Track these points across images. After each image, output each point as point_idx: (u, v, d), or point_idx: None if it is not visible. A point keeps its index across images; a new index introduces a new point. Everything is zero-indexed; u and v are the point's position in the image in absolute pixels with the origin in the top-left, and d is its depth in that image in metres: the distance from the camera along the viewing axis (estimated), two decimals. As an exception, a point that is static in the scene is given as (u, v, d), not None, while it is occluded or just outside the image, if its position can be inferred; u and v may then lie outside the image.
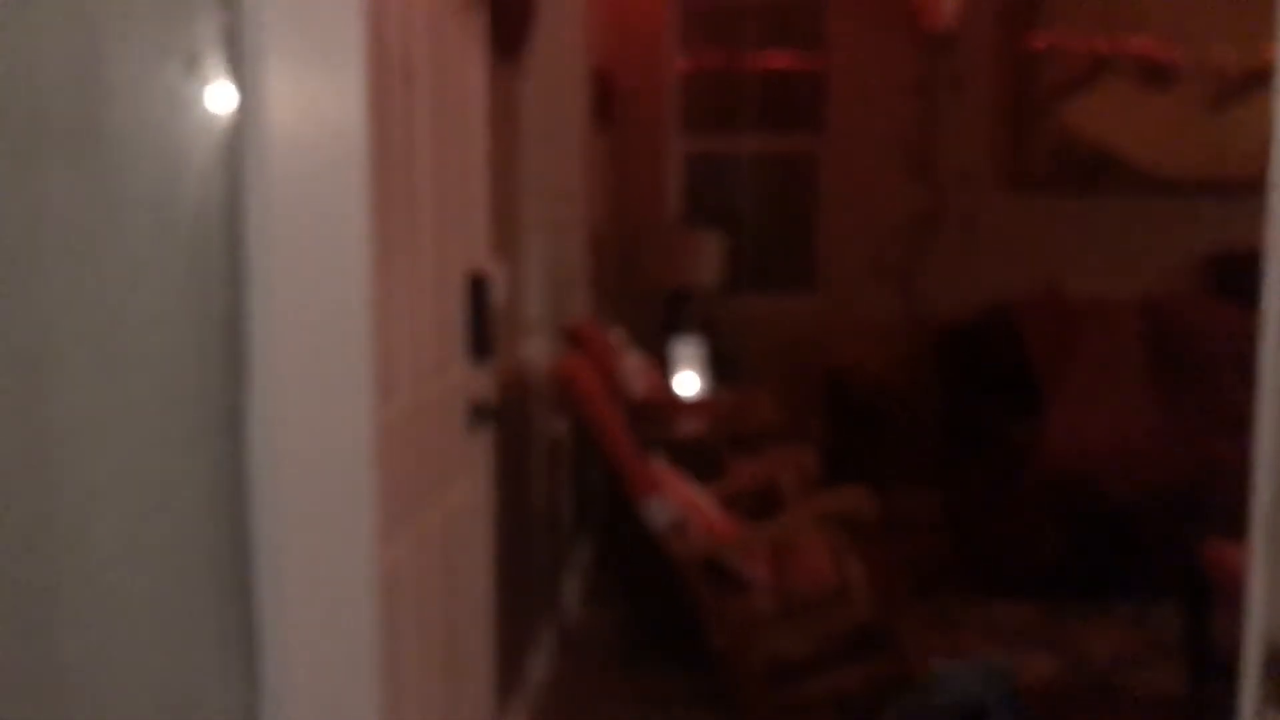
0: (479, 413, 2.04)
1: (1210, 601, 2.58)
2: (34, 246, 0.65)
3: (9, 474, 0.64)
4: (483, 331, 2.02)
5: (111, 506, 0.72)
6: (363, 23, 0.96)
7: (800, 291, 4.77)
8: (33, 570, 0.66)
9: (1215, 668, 2.52)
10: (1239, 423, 4.40)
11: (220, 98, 0.78)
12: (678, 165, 4.80)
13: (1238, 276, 4.49)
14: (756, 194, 4.83)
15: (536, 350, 3.02)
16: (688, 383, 4.17)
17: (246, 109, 0.78)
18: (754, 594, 2.58)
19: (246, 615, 0.82)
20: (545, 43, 2.96)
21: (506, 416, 2.44)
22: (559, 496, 3.41)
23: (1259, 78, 4.34)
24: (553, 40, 3.25)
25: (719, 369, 4.42)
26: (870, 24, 4.56)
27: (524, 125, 2.82)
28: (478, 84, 2.06)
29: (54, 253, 0.66)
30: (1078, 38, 4.44)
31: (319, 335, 0.90)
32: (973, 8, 4.44)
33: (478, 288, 2.01)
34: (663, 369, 3.88)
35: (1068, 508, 3.49)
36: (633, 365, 3.22)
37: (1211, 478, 3.39)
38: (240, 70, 0.78)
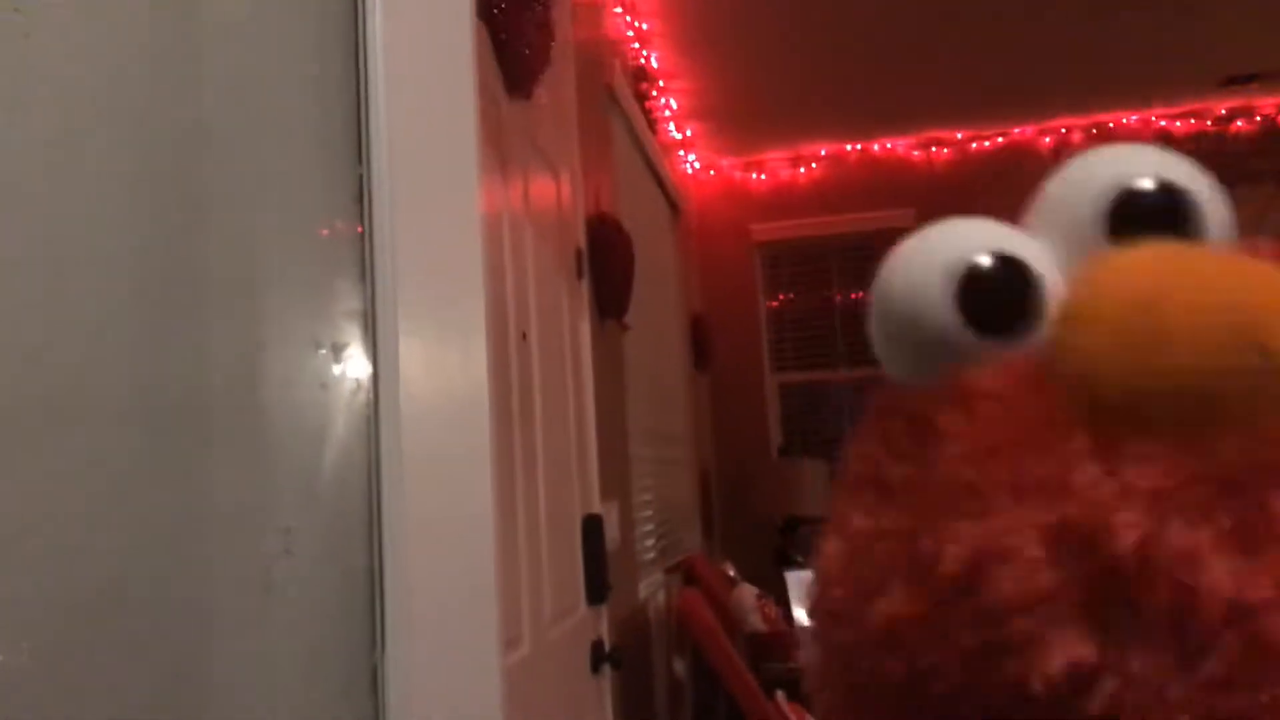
0: (600, 654, 2.07)
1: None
2: (199, 522, 0.71)
3: None
4: (598, 573, 2.08)
5: None
6: (484, 296, 1.06)
7: (910, 514, 4.73)
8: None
9: None
10: None
11: (359, 375, 0.87)
12: (775, 400, 4.97)
13: None
14: (854, 422, 4.92)
15: (652, 589, 3.07)
16: (805, 614, 4.11)
17: (383, 383, 0.87)
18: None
19: None
20: (647, 298, 3.21)
21: (627, 658, 2.46)
22: (682, 740, 3.34)
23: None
24: (654, 295, 3.53)
25: (835, 598, 4.35)
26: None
27: (629, 374, 3.02)
28: (585, 340, 2.25)
29: (214, 529, 0.72)
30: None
31: (450, 594, 0.96)
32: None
33: (591, 530, 2.09)
34: (778, 601, 3.85)
35: None
36: (747, 598, 3.23)
37: None
38: (376, 349, 0.87)
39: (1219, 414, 0.38)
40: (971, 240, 0.48)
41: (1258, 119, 4.59)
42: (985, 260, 0.47)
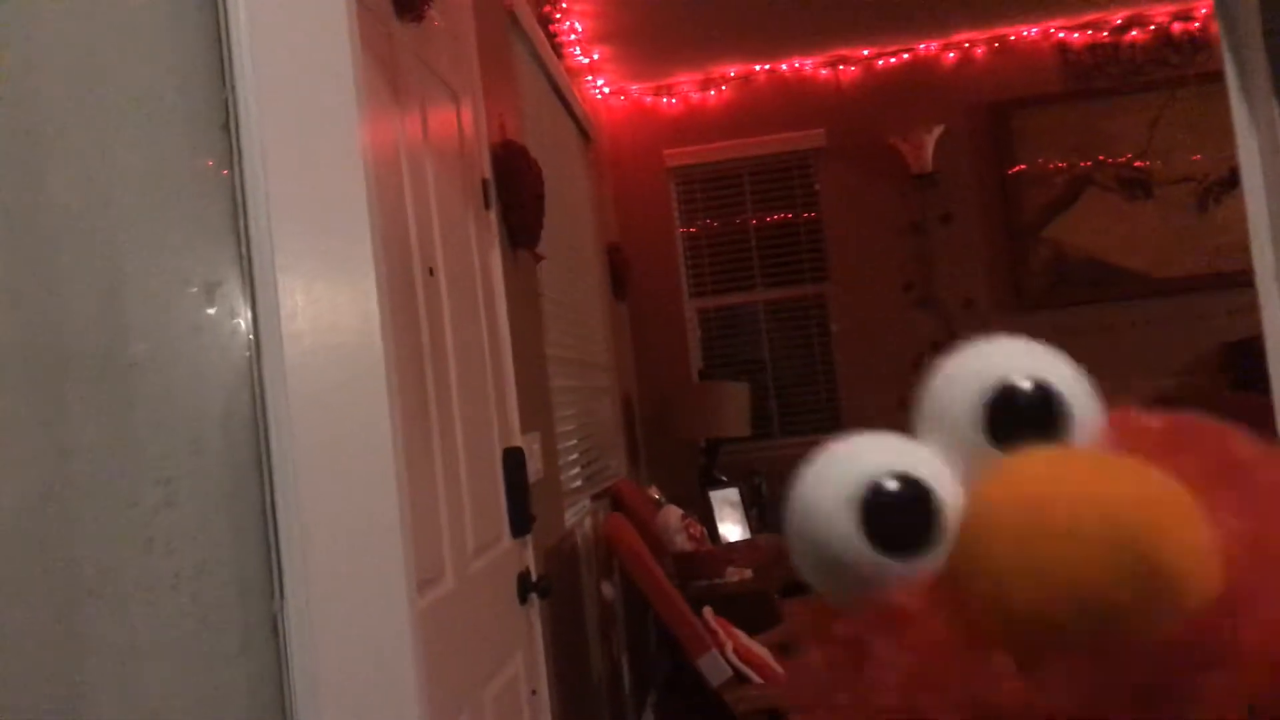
0: (527, 585, 2.08)
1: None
2: (66, 476, 0.68)
3: (62, 692, 0.64)
4: (521, 505, 2.08)
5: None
6: (372, 231, 0.99)
7: (828, 430, 4.83)
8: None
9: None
10: None
11: (237, 315, 0.82)
12: (694, 324, 5.00)
13: (1249, 365, 4.54)
14: (773, 343, 4.99)
15: (579, 516, 3.10)
16: (730, 532, 4.21)
17: (263, 322, 0.83)
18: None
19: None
20: (560, 228, 3.18)
21: (556, 586, 2.48)
22: (617, 661, 3.41)
23: (1231, 179, 4.57)
24: (568, 225, 3.48)
25: (759, 515, 4.46)
26: (857, 174, 4.83)
27: (545, 305, 3.00)
28: (496, 273, 2.22)
29: (85, 483, 0.69)
30: (1054, 163, 4.69)
31: (351, 535, 0.93)
32: (951, 148, 4.71)
33: (512, 463, 2.08)
34: (703, 520, 3.93)
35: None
36: (673, 519, 3.29)
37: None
38: (253, 286, 0.83)
39: (1121, 625, 0.41)
40: (870, 463, 0.52)
41: (1151, 28, 4.69)
42: (887, 484, 0.50)
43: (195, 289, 0.81)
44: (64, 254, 0.70)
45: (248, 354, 0.84)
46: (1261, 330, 5.20)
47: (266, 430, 0.84)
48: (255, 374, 0.83)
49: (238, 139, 0.84)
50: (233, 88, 0.83)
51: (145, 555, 0.73)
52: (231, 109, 0.84)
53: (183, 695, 0.75)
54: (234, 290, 0.84)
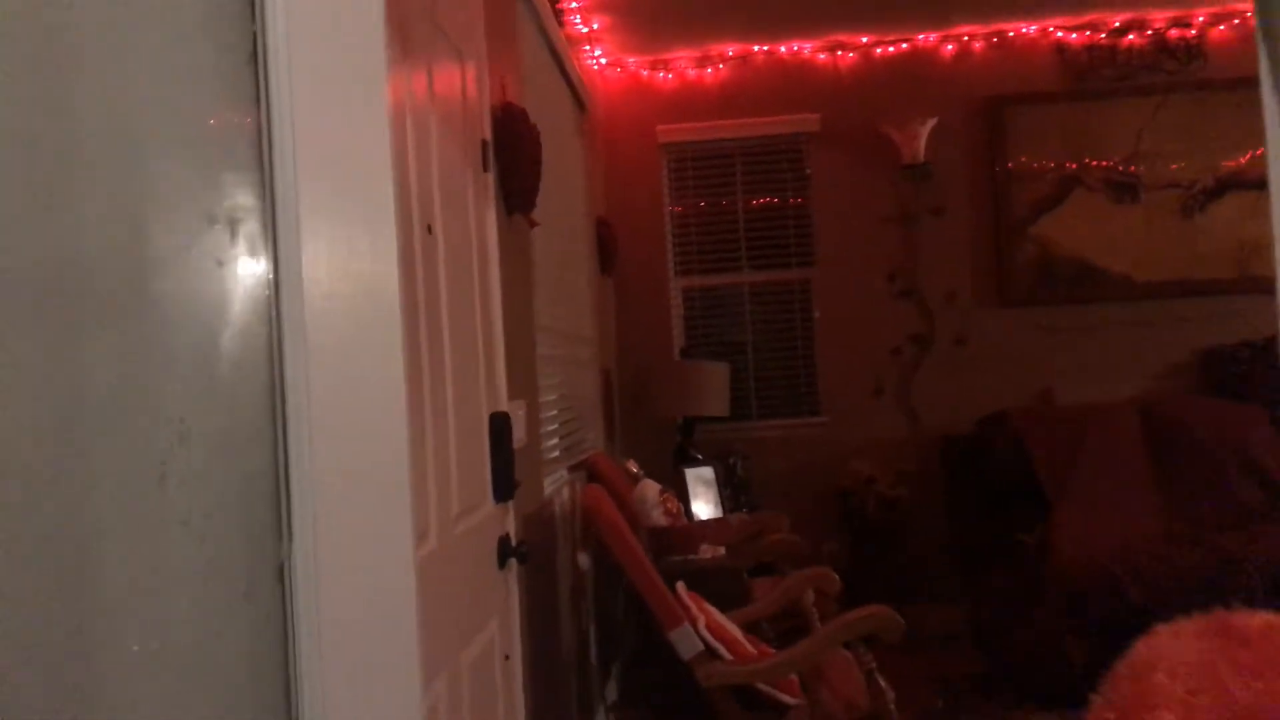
0: (506, 551, 2.08)
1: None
2: (79, 411, 0.64)
3: (53, 639, 0.62)
4: (505, 470, 2.07)
5: (158, 672, 0.71)
6: (392, 182, 0.99)
7: (805, 414, 4.88)
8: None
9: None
10: (1248, 515, 4.44)
11: (258, 253, 0.80)
12: (678, 303, 4.99)
13: (1224, 372, 4.62)
14: (756, 325, 5.00)
15: (556, 486, 3.10)
16: (702, 510, 4.23)
17: (283, 263, 0.82)
18: (788, 719, 2.58)
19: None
20: (553, 197, 3.16)
21: (532, 554, 2.49)
22: (586, 631, 3.43)
23: (1221, 187, 4.63)
24: (560, 194, 3.46)
25: (732, 495, 4.48)
26: (849, 162, 4.83)
27: (536, 273, 2.98)
28: (492, 236, 2.20)
29: (98, 418, 0.66)
30: (1044, 161, 4.71)
31: (361, 485, 0.92)
32: (944, 140, 4.72)
33: (499, 427, 2.07)
34: (678, 498, 3.95)
35: (1087, 611, 3.49)
36: (651, 494, 3.30)
37: (1229, 572, 3.41)
38: (275, 224, 0.82)
39: None
40: None
41: (1149, 33, 4.71)
42: None
43: (218, 226, 0.79)
44: (85, 186, 0.68)
45: (268, 294, 0.82)
46: (1232, 338, 5.25)
47: (283, 374, 0.82)
48: (274, 316, 0.82)
49: (265, 73, 0.82)
50: (262, 21, 0.82)
51: (156, 494, 0.72)
52: (260, 41, 0.82)
53: (186, 637, 0.74)
54: (255, 230, 0.82)
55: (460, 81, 2.04)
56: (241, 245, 0.82)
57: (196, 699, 0.76)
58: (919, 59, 4.81)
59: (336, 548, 0.86)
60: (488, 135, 2.24)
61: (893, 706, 2.59)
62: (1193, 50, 4.69)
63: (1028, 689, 3.55)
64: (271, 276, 0.83)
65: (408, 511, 0.98)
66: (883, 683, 2.62)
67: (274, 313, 0.82)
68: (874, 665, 2.63)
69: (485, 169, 2.20)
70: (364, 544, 0.92)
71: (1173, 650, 0.57)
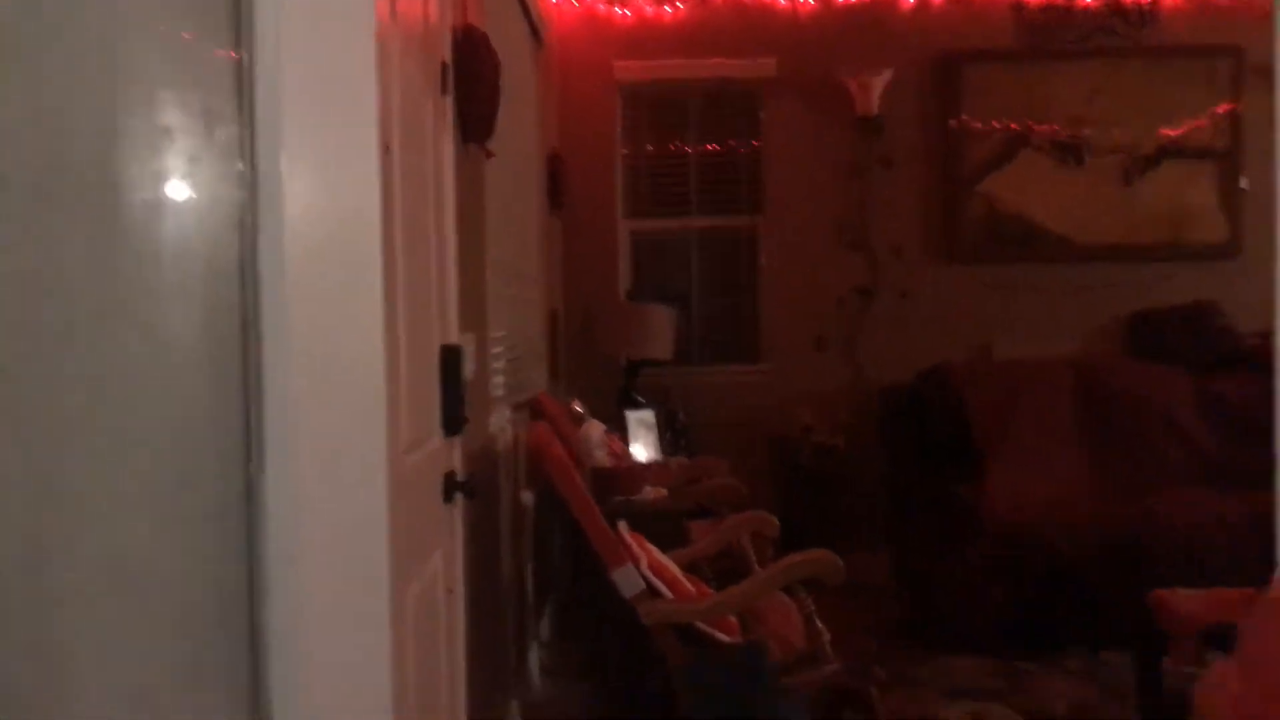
0: (452, 485, 2.05)
1: (1160, 649, 2.69)
2: (49, 300, 0.61)
3: (19, 551, 0.59)
4: (455, 404, 2.04)
5: (126, 583, 0.69)
6: (376, 99, 0.96)
7: (747, 362, 4.91)
8: (42, 654, 0.62)
9: (1168, 712, 2.61)
10: (1170, 476, 4.61)
11: (237, 154, 0.77)
12: (626, 245, 4.95)
13: (1152, 336, 4.76)
14: (702, 271, 4.99)
15: (500, 424, 3.07)
16: (641, 453, 4.24)
17: (263, 179, 0.79)
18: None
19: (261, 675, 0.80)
20: (506, 129, 3.07)
21: (476, 489, 2.47)
22: (523, 568, 3.43)
23: (1159, 155, 4.73)
24: (514, 129, 3.37)
25: (672, 438, 4.50)
26: (803, 110, 4.81)
27: (488, 206, 2.91)
28: (448, 162, 2.14)
29: (67, 308, 0.63)
30: (995, 120, 4.75)
31: (334, 406, 0.90)
32: (899, 94, 4.72)
33: (450, 360, 2.03)
34: (620, 438, 3.95)
35: (1015, 563, 3.60)
36: (596, 434, 3.29)
37: (1150, 530, 3.54)
38: (257, 141, 0.78)
39: None
40: None
41: (1104, -4, 4.75)
42: None
43: (196, 135, 0.74)
44: (64, 93, 0.63)
45: (245, 208, 0.78)
46: (1162, 303, 5.38)
47: (257, 287, 0.78)
48: (251, 228, 0.78)
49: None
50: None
51: (124, 405, 0.67)
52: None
53: (152, 553, 0.70)
54: (234, 139, 0.78)
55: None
56: (220, 154, 0.77)
57: (157, 614, 0.73)
58: (878, 8, 4.78)
59: (310, 467, 0.84)
60: (447, 58, 2.16)
61: (829, 648, 2.65)
62: (1146, 15, 4.74)
63: (954, 636, 3.67)
64: (250, 189, 0.79)
65: (383, 431, 0.96)
66: (819, 625, 2.67)
67: (251, 223, 0.78)
68: (813, 608, 2.68)
69: (444, 92, 2.13)
70: (337, 462, 0.90)
71: None
